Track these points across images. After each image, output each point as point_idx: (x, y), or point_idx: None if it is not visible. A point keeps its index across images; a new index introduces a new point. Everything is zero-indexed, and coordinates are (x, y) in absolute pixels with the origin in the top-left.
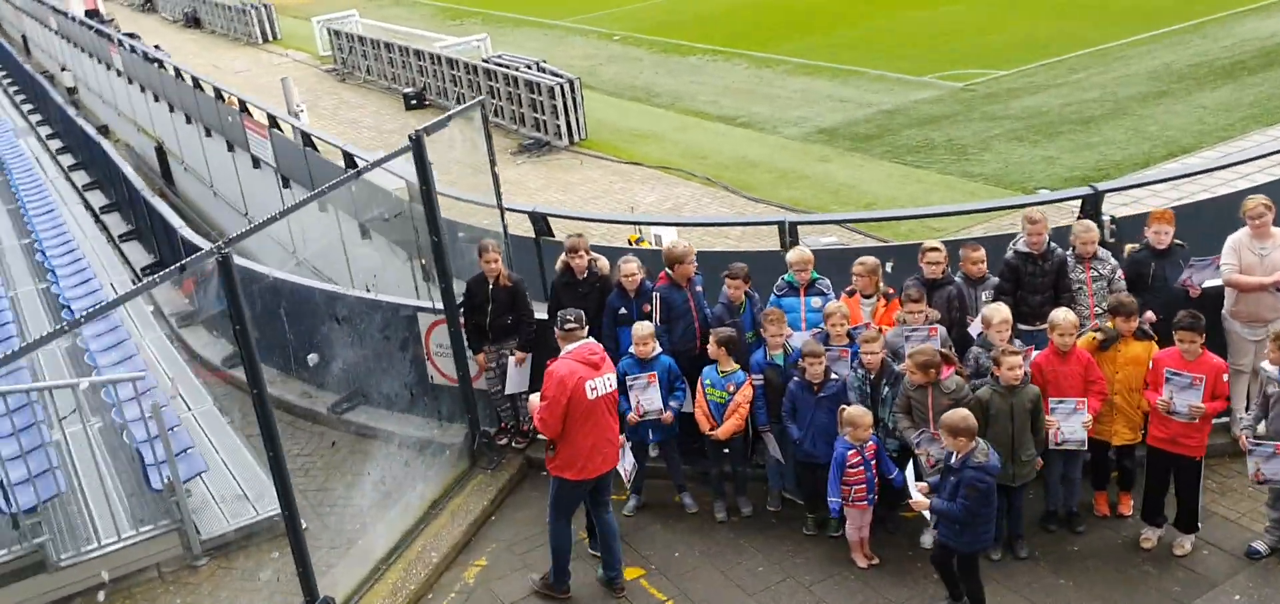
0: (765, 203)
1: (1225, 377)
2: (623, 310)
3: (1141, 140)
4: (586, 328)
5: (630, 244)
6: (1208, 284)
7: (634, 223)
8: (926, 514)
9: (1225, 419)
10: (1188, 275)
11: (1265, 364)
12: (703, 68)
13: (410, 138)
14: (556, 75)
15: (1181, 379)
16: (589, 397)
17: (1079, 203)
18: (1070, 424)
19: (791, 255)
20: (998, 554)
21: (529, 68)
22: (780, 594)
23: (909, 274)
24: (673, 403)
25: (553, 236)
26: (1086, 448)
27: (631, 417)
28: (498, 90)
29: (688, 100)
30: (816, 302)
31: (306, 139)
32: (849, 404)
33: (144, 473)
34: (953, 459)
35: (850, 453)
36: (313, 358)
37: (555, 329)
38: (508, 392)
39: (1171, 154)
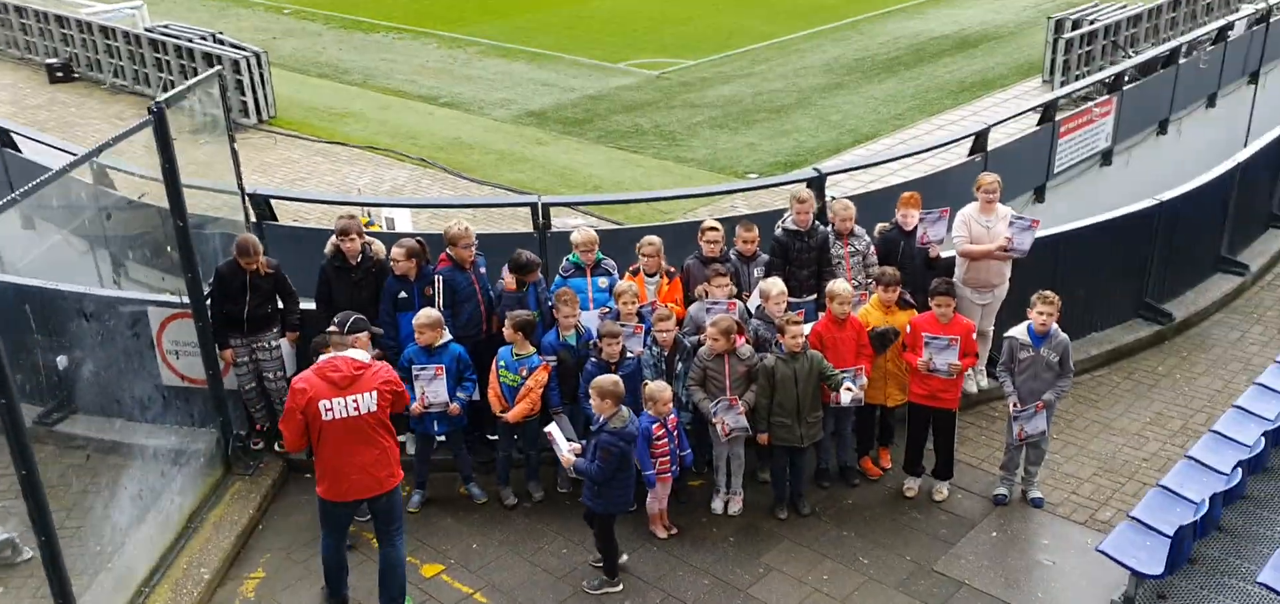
0: (489, 185)
1: (974, 335)
2: (403, 294)
3: (828, 128)
4: (361, 335)
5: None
6: (945, 254)
7: (362, 204)
8: (571, 471)
9: None
10: (923, 232)
11: (1016, 330)
12: (392, 46)
13: (150, 110)
14: (239, 48)
15: (939, 342)
16: (324, 417)
17: (805, 184)
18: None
19: (577, 236)
20: (784, 514)
21: (205, 39)
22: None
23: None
24: (461, 394)
25: (276, 219)
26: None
27: (416, 407)
28: (168, 63)
29: (382, 78)
30: (603, 281)
31: None
32: (645, 381)
33: None
34: (594, 423)
35: (654, 426)
36: (61, 360)
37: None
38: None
39: (857, 140)
